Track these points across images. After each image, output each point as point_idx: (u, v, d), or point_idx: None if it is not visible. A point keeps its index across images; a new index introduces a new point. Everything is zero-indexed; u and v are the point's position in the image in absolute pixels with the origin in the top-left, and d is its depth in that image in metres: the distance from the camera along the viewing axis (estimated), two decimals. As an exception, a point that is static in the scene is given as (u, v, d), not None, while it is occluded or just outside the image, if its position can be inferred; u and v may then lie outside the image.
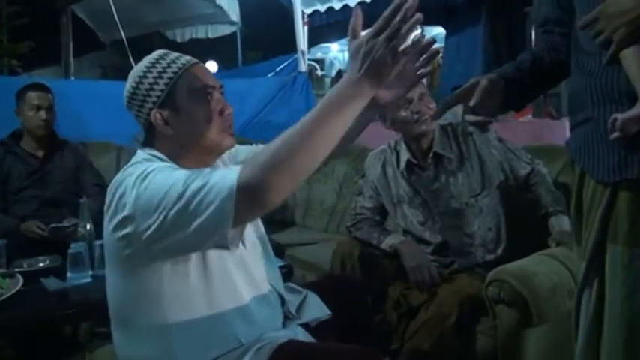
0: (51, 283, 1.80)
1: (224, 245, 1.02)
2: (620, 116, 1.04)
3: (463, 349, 1.68)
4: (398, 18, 0.90)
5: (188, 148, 1.19)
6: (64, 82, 4.36)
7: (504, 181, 1.88)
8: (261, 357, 1.14)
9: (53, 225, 2.29)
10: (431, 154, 1.90)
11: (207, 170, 1.03)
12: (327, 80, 5.40)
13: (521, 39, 4.76)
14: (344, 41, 7.89)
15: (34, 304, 1.70)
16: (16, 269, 1.89)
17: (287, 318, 1.33)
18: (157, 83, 1.17)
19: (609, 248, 1.12)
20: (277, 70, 4.49)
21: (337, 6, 4.90)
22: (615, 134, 1.05)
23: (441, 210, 1.91)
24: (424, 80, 1.76)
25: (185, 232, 0.99)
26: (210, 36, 6.14)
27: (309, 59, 4.42)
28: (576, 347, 1.22)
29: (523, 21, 4.64)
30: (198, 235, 0.99)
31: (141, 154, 1.20)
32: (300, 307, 1.36)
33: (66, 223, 2.29)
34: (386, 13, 0.91)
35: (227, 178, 0.96)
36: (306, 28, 4.28)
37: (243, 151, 1.44)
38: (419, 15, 0.90)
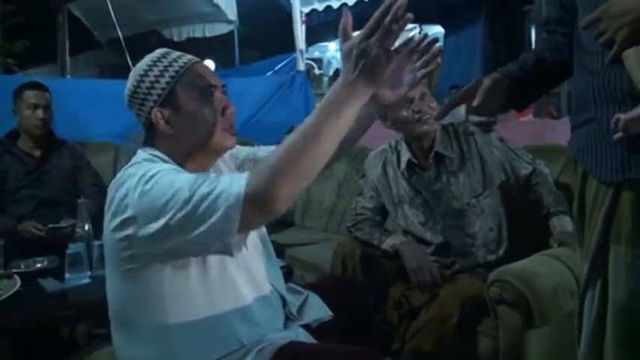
0: (49, 284, 1.78)
1: (228, 252, 1.02)
2: (622, 116, 1.04)
3: (464, 349, 1.68)
4: (389, 18, 0.90)
5: (189, 148, 1.18)
6: (60, 81, 4.35)
7: (505, 181, 1.88)
8: (262, 358, 1.13)
9: (50, 225, 2.28)
10: (432, 154, 1.89)
11: (213, 175, 1.02)
12: (325, 79, 5.39)
13: (520, 38, 4.79)
14: (342, 40, 7.90)
15: (32, 305, 1.68)
16: (14, 270, 1.88)
17: (288, 319, 1.32)
18: (157, 82, 1.16)
19: (612, 249, 1.12)
20: (276, 69, 4.48)
21: (335, 5, 4.90)
22: (618, 134, 1.05)
23: (442, 210, 1.90)
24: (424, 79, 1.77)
25: (189, 236, 0.99)
26: (207, 35, 6.12)
27: (306, 58, 4.41)
28: (579, 350, 1.22)
29: (522, 20, 4.67)
30: (202, 240, 1.00)
31: (141, 153, 1.19)
32: (301, 308, 1.36)
33: (63, 224, 2.28)
34: (376, 14, 0.91)
35: (234, 185, 0.96)
36: (303, 26, 4.27)
37: (244, 151, 1.43)
38: (409, 14, 0.91)
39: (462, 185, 1.87)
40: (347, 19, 0.96)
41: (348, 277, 1.85)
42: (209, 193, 0.97)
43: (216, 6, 5.63)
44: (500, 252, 1.86)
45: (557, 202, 1.81)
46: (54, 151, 2.61)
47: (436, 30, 5.99)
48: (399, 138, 2.01)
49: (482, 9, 4.89)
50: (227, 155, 1.34)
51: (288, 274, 1.79)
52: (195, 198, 0.98)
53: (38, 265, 1.98)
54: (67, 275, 1.80)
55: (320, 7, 4.98)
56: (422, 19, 5.43)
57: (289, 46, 4.36)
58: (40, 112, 2.50)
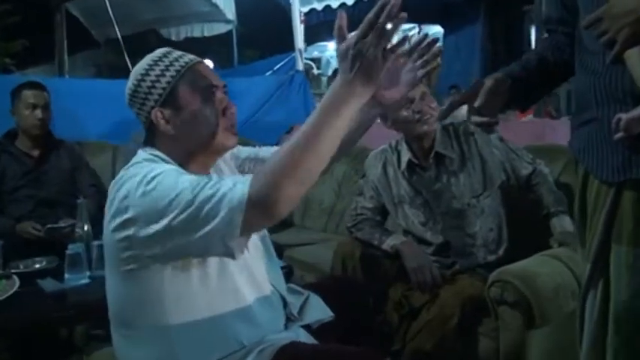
0: (48, 284, 1.78)
1: (230, 254, 1.02)
2: (624, 116, 1.04)
3: (465, 350, 1.67)
4: (383, 18, 0.91)
5: (190, 148, 1.18)
6: (58, 81, 4.33)
7: (506, 181, 1.87)
8: (263, 359, 1.13)
9: (49, 225, 2.27)
10: (432, 154, 1.88)
11: (216, 177, 1.02)
12: (324, 79, 5.38)
13: (519, 37, 4.79)
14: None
15: (32, 305, 1.67)
16: (12, 271, 1.87)
17: (289, 320, 1.31)
18: (158, 81, 1.16)
19: (614, 249, 1.12)
20: (275, 69, 4.47)
21: (334, 4, 4.89)
22: (619, 134, 1.05)
23: (442, 210, 1.90)
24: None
25: (191, 238, 1.00)
26: (205, 34, 6.10)
27: (305, 58, 4.41)
28: (581, 350, 1.22)
29: (521, 19, 4.68)
30: (204, 242, 1.00)
31: (142, 153, 1.18)
32: (301, 309, 1.35)
33: (62, 224, 2.27)
34: (370, 14, 0.91)
35: (237, 188, 0.96)
36: (302, 26, 4.27)
37: (245, 151, 1.43)
38: (403, 13, 0.91)
39: (462, 185, 1.87)
40: (342, 19, 0.96)
41: (349, 278, 1.84)
42: (212, 196, 0.97)
43: (215, 5, 5.61)
44: (501, 252, 1.86)
45: (557, 202, 1.81)
46: (52, 151, 2.60)
47: (435, 30, 5.99)
48: (399, 138, 2.00)
49: (481, 9, 4.89)
50: (228, 155, 1.34)
51: (288, 275, 1.79)
52: (198, 200, 0.98)
53: (37, 266, 1.97)
54: (66, 275, 1.79)
55: (319, 6, 4.98)
56: (421, 19, 5.44)
57: (288, 45, 4.36)
58: (38, 112, 2.49)
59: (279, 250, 2.13)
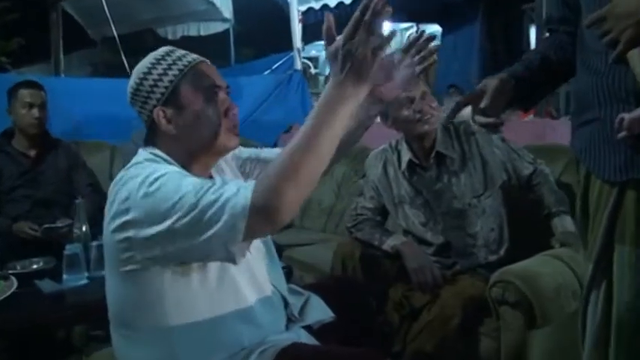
0: (46, 285, 1.77)
1: (232, 260, 1.02)
2: (627, 116, 1.05)
3: (466, 351, 1.67)
4: (368, 15, 0.91)
5: (191, 148, 1.17)
6: (54, 80, 4.31)
7: (507, 181, 1.87)
8: (264, 360, 1.12)
9: (46, 225, 2.26)
10: (433, 154, 1.88)
11: (219, 182, 1.02)
12: (321, 78, 5.36)
13: (518, 37, 4.79)
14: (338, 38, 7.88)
15: (30, 306, 1.66)
16: (10, 271, 1.86)
17: (290, 321, 1.31)
18: (161, 80, 1.15)
19: (617, 249, 1.12)
20: (273, 68, 4.46)
21: (332, 3, 4.88)
22: (622, 133, 1.05)
23: (443, 210, 1.89)
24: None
25: (192, 242, 0.99)
26: (202, 33, 6.07)
27: (302, 57, 4.39)
28: (584, 351, 1.21)
29: (520, 19, 4.68)
30: (205, 247, 1.00)
31: (143, 153, 1.17)
32: (302, 310, 1.35)
33: (59, 224, 2.26)
34: (356, 13, 0.92)
35: (241, 194, 0.96)
36: (300, 25, 4.25)
37: (246, 152, 1.43)
38: (389, 8, 0.91)
39: (463, 185, 1.87)
40: (329, 21, 0.96)
41: (349, 278, 1.84)
42: (215, 201, 0.97)
43: (212, 4, 5.58)
44: (502, 252, 1.86)
45: (558, 202, 1.81)
46: (49, 151, 2.59)
47: (433, 29, 5.99)
48: (399, 138, 2.00)
49: (480, 8, 4.88)
50: (229, 155, 1.33)
51: (287, 275, 1.77)
52: (201, 204, 0.97)
53: (34, 266, 1.96)
54: (64, 276, 1.78)
55: (317, 5, 4.96)
56: (419, 18, 5.44)
57: (284, 44, 4.35)
58: (35, 111, 2.47)
59: (279, 250, 2.12)
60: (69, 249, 1.80)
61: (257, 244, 1.29)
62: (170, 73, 1.15)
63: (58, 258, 1.88)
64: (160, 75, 1.15)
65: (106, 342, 1.25)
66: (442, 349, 1.63)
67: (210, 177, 1.25)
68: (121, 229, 1.05)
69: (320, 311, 1.36)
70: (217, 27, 6.01)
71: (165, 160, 1.14)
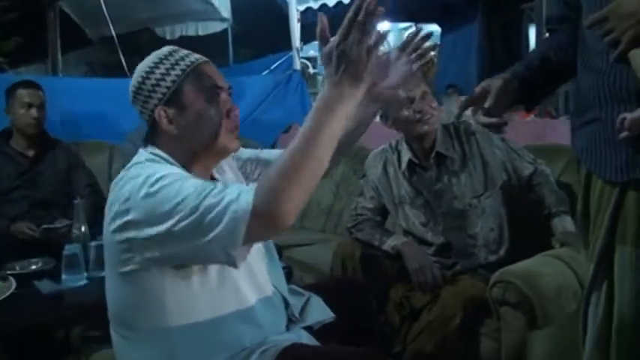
0: (45, 285, 1.76)
1: (232, 263, 1.02)
2: (628, 115, 1.04)
3: (467, 351, 1.67)
4: (361, 15, 0.91)
5: (193, 149, 1.16)
6: (52, 79, 4.30)
7: (507, 181, 1.87)
8: (265, 360, 1.12)
9: (45, 226, 2.25)
10: (433, 154, 1.88)
11: (221, 185, 1.01)
12: (320, 78, 5.33)
13: (517, 36, 4.80)
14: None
15: (29, 307, 1.66)
16: (8, 272, 1.85)
17: (290, 321, 1.31)
18: (163, 80, 1.14)
19: (618, 249, 1.12)
20: (272, 68, 4.45)
21: (331, 2, 4.86)
22: (624, 133, 1.05)
23: (443, 211, 1.89)
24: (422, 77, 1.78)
25: (192, 245, 1.00)
26: (200, 33, 6.04)
27: (301, 57, 4.38)
28: (584, 351, 1.21)
29: (520, 18, 4.69)
30: (205, 250, 1.00)
31: (143, 153, 1.17)
32: (303, 310, 1.35)
33: (57, 224, 2.25)
34: (349, 14, 0.92)
35: (242, 199, 0.96)
36: (298, 25, 4.24)
37: (246, 152, 1.43)
38: (381, 8, 0.92)
39: (463, 185, 1.86)
40: (323, 23, 0.96)
41: (349, 279, 1.84)
42: (216, 204, 0.97)
43: (210, 4, 5.56)
44: (502, 252, 1.86)
45: (558, 203, 1.81)
46: (48, 151, 2.58)
47: (432, 28, 5.99)
48: (399, 138, 1.99)
49: (479, 7, 4.89)
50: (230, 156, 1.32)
51: (287, 276, 1.77)
52: (202, 207, 0.97)
53: (33, 267, 1.95)
54: (63, 277, 1.78)
55: (315, 5, 4.94)
56: (418, 18, 5.43)
57: (283, 43, 4.33)
58: (34, 111, 2.46)
59: (278, 250, 2.12)
60: (68, 249, 1.79)
61: (257, 244, 1.29)
62: (173, 72, 1.15)
63: (57, 258, 1.87)
64: (162, 74, 1.14)
65: (104, 343, 1.25)
66: (442, 349, 1.63)
67: (212, 177, 1.25)
68: (121, 229, 1.05)
69: (320, 312, 1.36)
70: (216, 27, 5.99)
71: (166, 161, 1.14)
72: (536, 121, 3.18)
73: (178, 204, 0.99)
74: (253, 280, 1.21)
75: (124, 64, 4.34)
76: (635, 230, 1.08)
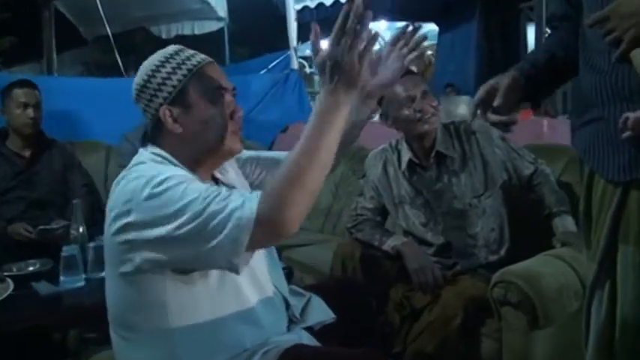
0: (43, 287, 1.75)
1: (234, 270, 1.02)
2: (631, 115, 1.04)
3: (468, 351, 1.66)
4: (351, 20, 0.93)
5: (195, 149, 1.16)
6: (47, 79, 4.26)
7: (507, 180, 1.86)
8: (267, 361, 1.11)
9: (41, 227, 2.24)
10: (433, 154, 1.87)
11: (225, 192, 1.02)
12: (316, 78, 5.32)
13: (515, 35, 4.81)
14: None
15: (27, 309, 1.65)
16: (5, 273, 1.83)
17: (291, 322, 1.30)
18: (169, 79, 1.14)
19: (621, 249, 1.12)
20: (269, 67, 4.45)
21: (328, 2, 4.86)
22: (627, 133, 1.04)
23: (443, 210, 1.88)
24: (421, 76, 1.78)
25: (194, 250, 1.00)
26: (196, 32, 6.03)
27: (298, 56, 4.38)
28: (587, 352, 1.21)
29: (518, 17, 4.70)
30: (207, 256, 1.00)
31: (144, 153, 1.16)
32: (303, 311, 1.34)
33: (54, 225, 2.24)
34: (338, 21, 0.94)
35: (246, 206, 0.97)
36: (295, 24, 4.23)
37: (246, 152, 1.41)
38: (369, 11, 0.93)
39: (463, 185, 1.86)
40: (316, 34, 1.00)
41: (349, 279, 1.83)
42: (220, 211, 0.97)
43: (206, 3, 5.55)
44: (502, 252, 1.85)
45: (559, 202, 1.81)
46: (44, 151, 2.56)
47: (430, 28, 5.98)
48: (399, 137, 1.99)
49: (477, 6, 4.89)
50: None
51: (288, 276, 1.77)
52: (206, 213, 0.98)
53: (30, 268, 1.94)
54: (61, 278, 1.76)
55: (312, 4, 4.94)
56: (416, 17, 5.43)
57: (279, 43, 4.33)
58: (30, 111, 2.44)
59: (277, 251, 2.12)
60: (66, 250, 1.78)
61: (258, 246, 1.29)
62: (179, 72, 1.14)
63: (54, 260, 1.86)
64: (168, 73, 1.14)
65: (102, 344, 1.24)
66: (443, 350, 1.62)
67: (214, 178, 1.25)
68: (122, 230, 1.04)
69: (321, 312, 1.35)
70: (212, 26, 5.98)
71: (168, 161, 1.13)
72: (536, 120, 3.18)
73: (182, 207, 0.98)
74: (254, 280, 1.20)
75: (120, 63, 4.32)
76: (637, 230, 1.08)
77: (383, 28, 6.97)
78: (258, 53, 5.63)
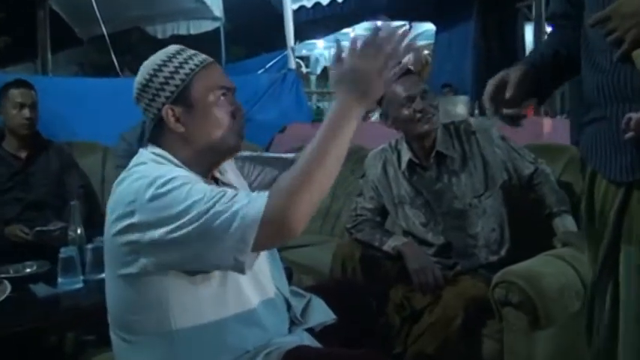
0: (40, 289, 1.74)
1: (240, 270, 1.03)
2: (634, 116, 1.03)
3: (468, 352, 1.66)
4: (378, 40, 1.01)
5: (198, 149, 1.16)
6: (43, 79, 4.23)
7: (508, 180, 1.86)
8: (269, 362, 1.11)
9: (38, 228, 2.22)
10: (433, 154, 1.86)
11: (231, 193, 1.02)
12: (313, 77, 5.31)
13: (512, 35, 4.82)
14: (330, 37, 7.89)
15: (25, 311, 1.64)
16: (3, 275, 1.82)
17: (293, 323, 1.30)
18: (172, 78, 1.14)
19: (623, 249, 1.11)
20: (266, 67, 4.44)
21: (324, 1, 4.86)
22: (630, 134, 1.04)
23: (443, 211, 1.88)
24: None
25: (197, 250, 1.00)
26: (192, 32, 6.00)
27: (295, 56, 4.36)
28: (590, 352, 1.21)
29: (515, 17, 4.71)
30: (212, 257, 1.01)
31: (145, 153, 1.16)
32: (304, 312, 1.34)
33: (51, 227, 2.22)
34: (368, 36, 1.03)
35: (251, 207, 0.98)
36: (292, 23, 4.22)
37: (244, 152, 1.41)
38: (403, 30, 1.02)
39: (463, 185, 1.85)
40: (339, 49, 1.07)
41: (349, 280, 1.82)
42: (226, 210, 0.98)
43: (202, 2, 5.53)
44: (503, 253, 1.85)
45: (559, 202, 1.81)
46: (41, 152, 2.54)
47: (427, 27, 5.99)
48: (398, 137, 1.98)
49: (474, 5, 4.91)
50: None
51: (287, 277, 1.76)
52: (212, 212, 0.98)
53: (28, 270, 1.93)
54: (60, 280, 1.75)
55: (308, 3, 4.94)
56: (413, 16, 5.43)
57: (276, 42, 4.32)
58: (26, 112, 2.43)
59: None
60: (64, 252, 1.77)
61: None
62: (181, 71, 1.14)
63: (51, 261, 1.85)
64: (171, 73, 1.14)
65: (100, 346, 1.23)
66: (444, 350, 1.62)
67: (214, 177, 1.25)
68: (124, 231, 1.04)
69: (322, 313, 1.35)
70: (207, 26, 5.95)
71: (170, 161, 1.13)
72: (535, 120, 3.19)
73: (187, 208, 0.99)
74: (256, 281, 1.20)
75: (116, 63, 4.30)
76: None
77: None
78: (254, 53, 5.61)
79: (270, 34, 4.66)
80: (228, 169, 1.33)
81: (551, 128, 2.75)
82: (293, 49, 4.09)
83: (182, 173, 1.08)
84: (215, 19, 5.78)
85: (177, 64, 1.14)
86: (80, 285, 1.77)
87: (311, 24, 5.11)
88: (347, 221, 2.07)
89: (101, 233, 1.16)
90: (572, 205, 1.78)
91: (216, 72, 1.19)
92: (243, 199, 0.99)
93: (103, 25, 4.47)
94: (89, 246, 1.81)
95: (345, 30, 6.45)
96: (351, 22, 5.42)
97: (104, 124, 3.21)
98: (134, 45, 7.20)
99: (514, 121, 1.27)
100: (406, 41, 1.14)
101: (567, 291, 1.55)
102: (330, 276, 1.93)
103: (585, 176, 1.22)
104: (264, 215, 0.97)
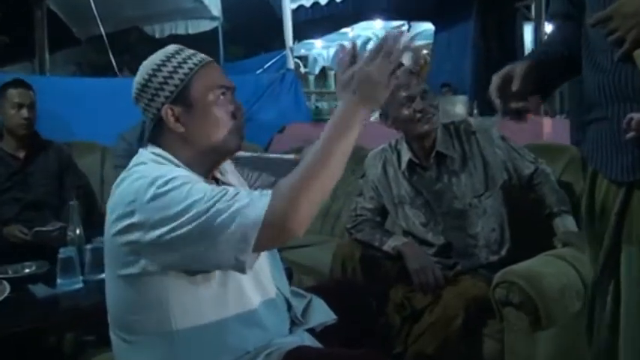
0: (40, 290, 1.73)
1: (241, 269, 1.03)
2: (636, 116, 1.03)
3: (469, 352, 1.66)
4: (388, 45, 1.02)
5: (198, 148, 1.15)
6: (40, 79, 4.22)
7: (508, 180, 1.86)
8: (270, 363, 1.11)
9: (37, 229, 2.22)
10: (433, 154, 1.86)
11: (232, 192, 1.02)
12: (311, 77, 5.30)
13: (512, 34, 4.83)
14: (328, 37, 7.89)
15: (24, 311, 1.63)
16: (1, 276, 1.82)
17: (293, 324, 1.30)
18: (171, 78, 1.13)
19: (624, 249, 1.11)
20: (265, 67, 4.43)
21: (323, 1, 4.86)
22: (631, 134, 1.04)
23: (443, 211, 1.88)
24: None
25: (198, 250, 1.00)
26: (190, 32, 5.99)
27: (293, 56, 4.36)
28: (590, 352, 1.21)
29: (514, 16, 4.72)
30: (214, 256, 1.01)
31: (145, 153, 1.16)
32: (305, 312, 1.34)
33: (50, 227, 2.22)
34: (378, 43, 1.04)
35: (252, 207, 0.98)
36: (291, 23, 4.22)
37: (243, 153, 1.41)
38: (410, 41, 1.03)
39: (463, 185, 1.85)
40: (345, 52, 1.08)
41: (349, 280, 1.82)
42: (227, 209, 0.98)
43: (200, 2, 5.52)
44: (503, 252, 1.85)
45: (560, 202, 1.81)
46: (39, 152, 2.54)
47: (426, 27, 5.99)
48: (398, 137, 1.98)
49: (473, 5, 4.92)
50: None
51: (288, 277, 1.76)
52: (212, 211, 0.98)
53: (27, 271, 1.92)
54: (59, 280, 1.74)
55: (307, 3, 4.94)
56: (412, 16, 5.44)
57: (274, 42, 4.32)
58: (24, 112, 2.42)
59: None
60: (63, 252, 1.76)
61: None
62: (181, 71, 1.14)
63: (51, 262, 1.84)
64: (170, 72, 1.13)
65: (100, 347, 1.22)
66: (444, 350, 1.62)
67: (214, 178, 1.24)
68: (125, 231, 1.04)
69: (323, 313, 1.35)
70: (206, 25, 5.94)
71: (170, 161, 1.13)
72: (535, 119, 3.19)
73: (187, 207, 0.98)
74: (257, 281, 1.20)
75: (114, 63, 4.29)
76: None
77: (378, 28, 7.00)
78: (252, 52, 5.61)
79: (268, 33, 4.66)
80: (229, 170, 1.33)
81: (551, 128, 2.76)
82: (292, 49, 4.08)
83: (182, 173, 1.08)
84: (213, 18, 5.77)
85: (176, 64, 1.14)
86: (79, 285, 1.76)
87: (309, 24, 5.10)
88: (347, 221, 2.07)
89: (100, 233, 1.15)
90: (572, 205, 1.79)
91: (216, 71, 1.18)
92: (244, 199, 0.99)
93: (100, 25, 4.46)
94: (88, 246, 1.81)
95: (343, 30, 6.46)
96: (350, 21, 5.44)
97: (102, 124, 3.20)
98: (132, 45, 7.20)
99: (520, 115, 1.27)
100: (404, 41, 1.14)
101: (568, 291, 1.55)
102: (330, 276, 1.93)
103: (586, 176, 1.22)
104: (266, 218, 0.97)
